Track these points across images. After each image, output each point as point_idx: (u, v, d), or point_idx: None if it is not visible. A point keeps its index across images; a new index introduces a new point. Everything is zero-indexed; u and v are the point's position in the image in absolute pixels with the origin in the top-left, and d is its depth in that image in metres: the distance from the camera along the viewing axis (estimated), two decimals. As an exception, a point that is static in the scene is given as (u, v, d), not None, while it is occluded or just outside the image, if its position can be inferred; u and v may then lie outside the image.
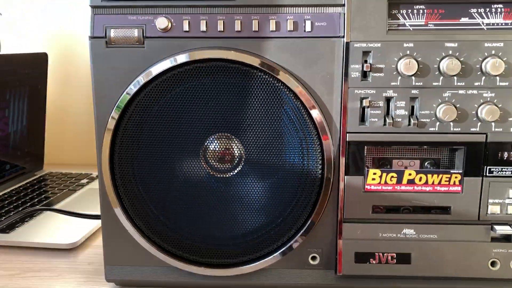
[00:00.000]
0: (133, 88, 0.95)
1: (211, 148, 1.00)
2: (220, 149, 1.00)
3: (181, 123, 0.98)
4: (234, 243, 1.03)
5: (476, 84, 0.92)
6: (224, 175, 1.01)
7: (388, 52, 0.91)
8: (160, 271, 1.05)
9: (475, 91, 0.92)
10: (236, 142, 0.99)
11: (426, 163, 1.00)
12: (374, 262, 0.99)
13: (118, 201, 1.00)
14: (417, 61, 0.90)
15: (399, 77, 0.92)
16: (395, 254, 0.99)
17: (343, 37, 0.92)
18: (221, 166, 1.01)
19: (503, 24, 0.91)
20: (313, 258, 1.02)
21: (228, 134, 0.99)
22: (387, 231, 0.99)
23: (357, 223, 0.99)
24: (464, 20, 0.92)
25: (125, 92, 0.95)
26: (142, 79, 0.94)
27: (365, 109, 0.95)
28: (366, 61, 0.93)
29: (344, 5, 0.92)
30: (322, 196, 0.98)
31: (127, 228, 1.01)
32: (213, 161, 1.00)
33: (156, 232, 1.02)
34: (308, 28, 0.93)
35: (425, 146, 0.97)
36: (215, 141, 0.99)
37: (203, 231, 1.03)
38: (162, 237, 1.02)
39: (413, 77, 0.92)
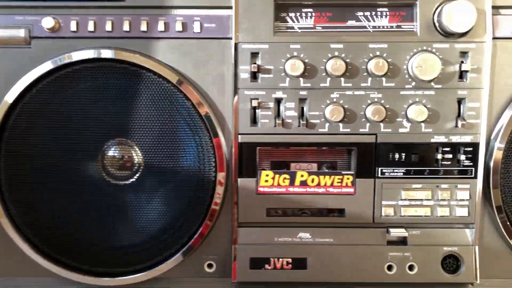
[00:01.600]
0: (17, 90, 0.93)
1: (109, 154, 0.98)
2: (118, 154, 0.99)
3: (74, 127, 0.96)
4: (128, 252, 1.00)
5: (363, 85, 0.94)
6: (122, 182, 0.99)
7: (276, 53, 0.93)
8: (49, 283, 1.01)
9: (362, 92, 0.94)
10: (134, 147, 0.98)
11: (323, 166, 1.01)
12: (269, 268, 0.98)
13: (4, 210, 0.97)
14: (303, 62, 0.93)
15: (287, 78, 0.94)
16: (290, 259, 0.98)
17: (232, 38, 0.94)
18: (119, 173, 0.99)
19: (388, 26, 0.95)
20: (209, 265, 1.01)
21: (125, 139, 0.98)
22: (283, 235, 0.99)
23: (252, 227, 0.99)
24: (351, 22, 0.95)
25: (9, 94, 0.94)
26: (27, 81, 0.93)
27: (256, 110, 0.96)
28: (255, 63, 0.94)
29: (232, 7, 0.94)
30: (216, 200, 0.97)
31: (13, 237, 0.98)
32: (111, 167, 0.99)
33: (45, 240, 0.99)
34: (197, 29, 0.95)
35: (319, 147, 0.98)
36: (113, 147, 0.98)
37: (97, 239, 1.00)
38: (50, 244, 0.99)
39: (301, 79, 0.94)
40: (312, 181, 0.97)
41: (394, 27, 0.95)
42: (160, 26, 0.94)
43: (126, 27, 0.94)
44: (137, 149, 0.97)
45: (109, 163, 0.99)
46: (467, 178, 0.96)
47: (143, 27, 0.94)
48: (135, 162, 0.98)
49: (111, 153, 0.99)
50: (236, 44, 0.94)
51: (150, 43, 0.95)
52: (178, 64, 0.95)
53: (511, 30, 0.94)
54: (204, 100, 0.95)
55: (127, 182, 0.99)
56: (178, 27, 0.94)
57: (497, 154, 0.95)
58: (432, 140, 0.95)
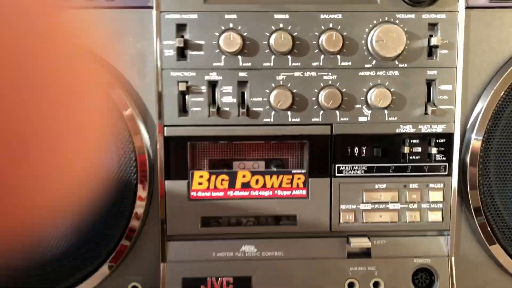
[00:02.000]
0: None
1: None
2: None
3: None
4: (35, 273, 0.81)
5: (314, 64, 0.78)
6: None
7: (207, 25, 0.76)
8: None
9: (313, 73, 0.78)
10: None
11: (272, 165, 0.84)
12: (205, 290, 0.80)
13: None
14: (242, 36, 0.76)
15: (223, 56, 0.77)
16: (232, 279, 0.81)
17: (153, 7, 0.76)
18: None
19: (343, -6, 0.79)
20: (133, 288, 0.82)
21: None
22: (223, 250, 0.81)
23: (184, 240, 0.81)
24: (299, -11, 0.79)
25: None
26: None
27: (185, 96, 0.78)
28: (182, 36, 0.77)
29: (152, -33, 0.76)
30: (138, 209, 0.79)
31: None
32: None
33: None
34: (109, -4, 0.77)
35: (266, 142, 0.81)
36: None
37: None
38: None
39: (239, 56, 0.77)
40: (257, 182, 0.80)
41: (351, -6, 0.79)
42: (62, -8, 0.76)
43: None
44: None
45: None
46: (440, 176, 0.81)
47: (40, -8, 0.76)
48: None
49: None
50: (158, 14, 0.76)
51: (49, 13, 0.76)
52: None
53: (487, -1, 0.80)
54: (119, 84, 0.77)
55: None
56: (85, -7, 0.76)
57: (475, 147, 0.80)
58: (398, 131, 0.80)
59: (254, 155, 0.84)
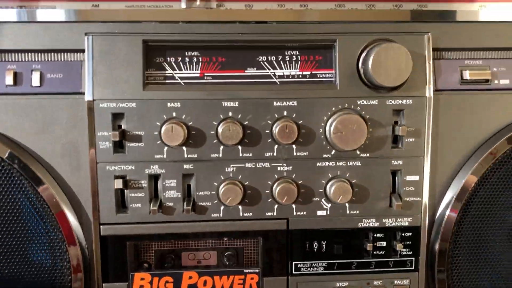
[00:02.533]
0: None
1: None
2: None
3: None
4: None
5: (268, 154, 0.71)
6: None
7: (148, 114, 0.69)
8: None
9: (266, 164, 0.71)
10: None
11: (225, 255, 0.77)
12: None
13: None
14: (186, 125, 0.68)
15: (166, 148, 0.69)
16: None
17: (85, 94, 0.68)
18: None
19: (300, 76, 0.72)
20: None
21: None
22: None
23: None
24: (251, 71, 0.71)
25: None
26: None
27: (124, 191, 0.70)
28: (120, 126, 0.69)
29: (84, 50, 0.68)
30: (72, 314, 0.71)
31: None
32: None
33: None
34: (35, 81, 0.68)
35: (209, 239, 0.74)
36: None
37: None
38: None
39: (184, 148, 0.69)
40: (205, 284, 0.73)
41: (308, 76, 0.72)
42: (-19, 78, 0.68)
43: None
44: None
45: None
46: (406, 272, 0.75)
47: (-44, 79, 0.67)
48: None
49: None
50: (91, 102, 0.68)
51: (-33, 101, 0.68)
52: (11, 129, 0.69)
53: (458, 79, 0.73)
54: (49, 179, 0.69)
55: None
56: (9, 79, 0.68)
57: (443, 240, 0.74)
58: (360, 225, 0.73)
59: (205, 244, 0.77)
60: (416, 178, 0.72)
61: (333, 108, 0.70)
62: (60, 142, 0.69)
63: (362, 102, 0.70)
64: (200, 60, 0.71)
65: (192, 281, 0.72)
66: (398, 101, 0.71)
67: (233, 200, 0.69)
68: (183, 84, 0.71)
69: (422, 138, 0.71)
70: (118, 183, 0.68)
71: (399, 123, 0.71)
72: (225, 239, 0.75)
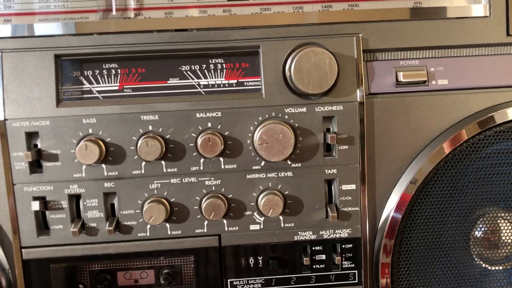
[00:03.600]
0: None
1: None
2: None
3: None
4: None
5: (194, 169, 0.68)
6: None
7: (63, 132, 0.66)
8: None
9: (193, 179, 0.68)
10: None
11: (163, 273, 0.74)
12: None
13: None
14: (104, 143, 0.65)
15: (84, 166, 0.66)
16: None
17: (-3, 113, 0.66)
18: None
19: (226, 85, 0.69)
20: None
21: None
22: None
23: None
24: (173, 81, 0.68)
25: None
26: None
27: (45, 213, 0.68)
28: (36, 146, 0.66)
29: (-6, 66, 0.66)
30: None
31: None
32: None
33: None
34: None
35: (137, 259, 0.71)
36: None
37: None
38: None
39: (103, 165, 0.67)
40: (134, 306, 0.70)
41: (234, 85, 0.69)
42: None
43: None
44: None
45: None
46: (350, 285, 0.72)
47: None
48: None
49: None
50: (3, 122, 0.65)
51: None
52: None
53: (393, 81, 0.69)
54: (-34, 203, 0.67)
55: None
56: None
57: (386, 251, 0.70)
58: (297, 238, 0.70)
59: (141, 262, 0.74)
60: (353, 187, 0.69)
61: (260, 118, 0.67)
62: (-27, 164, 0.67)
63: (290, 110, 0.67)
64: (119, 72, 0.68)
65: (120, 304, 0.70)
66: (328, 108, 0.67)
67: (156, 219, 0.66)
68: (101, 98, 0.68)
69: (356, 145, 0.68)
70: (35, 205, 0.66)
71: (330, 130, 0.68)
72: (162, 257, 0.72)
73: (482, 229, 0.73)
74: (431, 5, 0.70)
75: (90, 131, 0.66)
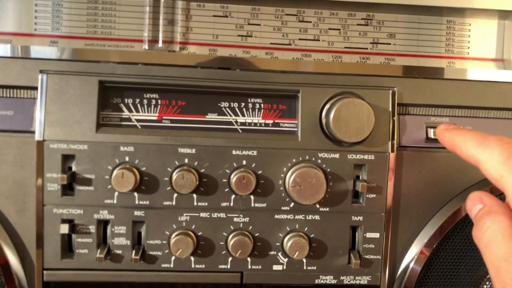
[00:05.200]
0: None
1: None
2: None
3: None
4: None
5: (224, 204, 0.69)
6: None
7: (99, 157, 0.67)
8: None
9: (222, 214, 0.69)
10: None
11: (181, 303, 0.75)
12: None
13: None
14: (139, 171, 0.67)
15: (116, 193, 0.67)
16: None
17: (35, 133, 0.66)
18: None
19: (262, 124, 0.71)
20: None
21: None
22: None
23: None
24: (212, 116, 0.70)
25: None
26: None
27: (71, 236, 0.68)
28: (70, 168, 0.67)
29: (37, 87, 0.67)
30: None
31: None
32: None
33: None
34: (-16, 117, 0.67)
35: None
36: None
37: None
38: None
39: (135, 194, 0.68)
40: (151, 336, 0.70)
41: (270, 125, 0.71)
42: None
43: None
44: None
45: None
46: (364, 332, 0.73)
47: None
48: None
49: None
50: (41, 142, 0.66)
51: None
52: (-46, 166, 0.67)
53: (423, 137, 0.72)
54: (-7, 220, 0.67)
55: None
56: (-45, 114, 0.66)
57: (403, 301, 0.72)
58: (317, 281, 0.72)
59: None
60: (377, 235, 0.71)
61: (294, 160, 0.69)
62: (6, 181, 0.67)
63: (323, 155, 0.69)
64: (159, 102, 0.70)
65: (139, 333, 0.70)
66: (359, 156, 0.70)
67: (183, 252, 0.67)
68: (139, 127, 0.69)
69: (384, 195, 0.71)
70: (64, 228, 0.66)
71: (360, 177, 0.71)
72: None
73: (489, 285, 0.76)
74: (464, 66, 0.74)
75: (127, 159, 0.67)
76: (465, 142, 0.58)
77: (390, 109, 0.70)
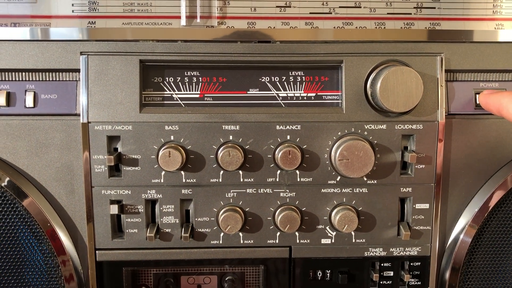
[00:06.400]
0: None
1: None
2: None
3: None
4: None
5: (270, 180, 0.69)
6: None
7: (144, 137, 0.67)
8: None
9: (268, 190, 0.70)
10: None
11: (226, 280, 0.76)
12: None
13: None
14: (185, 150, 0.67)
15: (163, 172, 0.68)
16: None
17: (80, 115, 0.67)
18: None
19: (304, 97, 0.70)
20: None
21: None
22: None
23: None
24: (253, 92, 0.70)
25: None
26: None
27: (121, 216, 0.69)
28: (116, 149, 0.68)
29: (79, 70, 0.67)
30: None
31: None
32: None
33: None
34: (29, 102, 0.68)
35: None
36: None
37: None
38: None
39: (182, 172, 0.68)
40: (202, 312, 0.72)
41: (313, 98, 0.70)
42: (-27, 99, 0.67)
43: None
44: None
45: None
46: (414, 302, 0.73)
47: None
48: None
49: None
50: (86, 124, 0.67)
51: (-42, 123, 0.67)
52: (4, 152, 0.68)
53: (472, 103, 0.70)
54: (44, 202, 0.68)
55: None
56: (2, 100, 0.67)
57: (453, 271, 0.72)
58: (366, 254, 0.72)
59: (205, 268, 0.76)
60: (426, 206, 0.70)
61: (339, 133, 0.68)
62: (54, 165, 0.69)
63: (370, 126, 0.68)
64: (200, 80, 0.70)
65: (189, 310, 0.72)
66: (407, 126, 0.69)
67: (233, 227, 0.68)
68: (182, 105, 0.69)
69: (433, 165, 0.69)
70: (114, 209, 0.68)
71: (408, 148, 0.69)
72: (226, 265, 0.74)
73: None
74: (514, 28, 0.71)
75: (172, 138, 0.68)
76: None
77: (438, 76, 0.69)
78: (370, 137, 0.68)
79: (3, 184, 0.67)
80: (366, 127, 0.68)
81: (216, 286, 0.77)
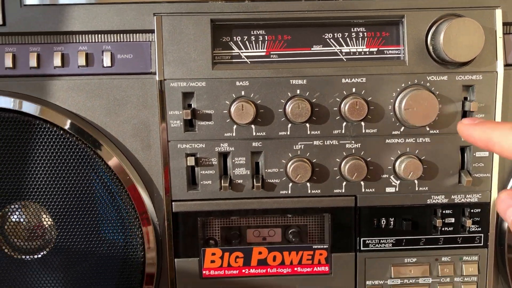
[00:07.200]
0: None
1: (11, 220, 0.76)
2: (23, 221, 0.76)
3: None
4: None
5: (336, 132, 0.73)
6: (28, 257, 0.77)
7: (217, 93, 0.72)
8: None
9: (335, 141, 0.73)
10: (45, 214, 0.75)
11: (289, 232, 0.80)
12: None
13: None
14: (254, 104, 0.71)
15: (235, 126, 0.72)
16: None
17: (156, 73, 0.71)
18: (25, 245, 0.76)
19: (367, 52, 0.74)
20: None
21: (33, 203, 0.75)
22: (238, 331, 0.78)
23: (197, 323, 0.77)
24: (317, 48, 0.74)
25: None
26: None
27: (195, 168, 0.74)
28: (190, 105, 0.72)
29: (154, 30, 0.71)
30: (146, 288, 0.75)
31: None
32: (14, 237, 0.76)
33: None
34: (107, 62, 0.72)
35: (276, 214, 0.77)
36: (18, 211, 0.75)
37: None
38: None
39: (252, 126, 0.72)
40: (274, 259, 0.76)
41: (375, 53, 0.74)
42: (56, 60, 0.71)
43: (8, 62, 0.71)
44: (47, 217, 0.75)
45: (12, 232, 0.76)
46: (475, 248, 0.77)
47: (32, 62, 0.71)
48: (45, 232, 0.76)
49: (13, 219, 0.76)
50: (161, 82, 0.71)
51: (43, 83, 0.72)
52: (83, 109, 0.73)
53: (528, 53, 0.74)
54: (122, 157, 0.73)
55: (35, 256, 0.76)
56: (81, 60, 0.71)
57: None
58: (429, 201, 0.75)
59: (269, 221, 0.80)
60: (486, 154, 0.74)
61: (403, 85, 0.72)
62: (131, 121, 0.73)
63: (432, 78, 0.72)
64: (266, 38, 0.73)
65: (262, 256, 0.76)
66: (468, 77, 0.72)
67: (302, 177, 0.72)
68: (249, 63, 0.73)
69: (492, 114, 0.73)
70: (191, 161, 0.72)
71: (468, 99, 0.73)
72: (289, 216, 0.78)
73: None
74: None
75: (243, 93, 0.72)
76: (506, 137, 0.48)
77: (496, 29, 0.72)
78: (432, 88, 0.72)
79: (78, 136, 0.71)
80: (428, 79, 0.72)
81: (280, 238, 0.81)
